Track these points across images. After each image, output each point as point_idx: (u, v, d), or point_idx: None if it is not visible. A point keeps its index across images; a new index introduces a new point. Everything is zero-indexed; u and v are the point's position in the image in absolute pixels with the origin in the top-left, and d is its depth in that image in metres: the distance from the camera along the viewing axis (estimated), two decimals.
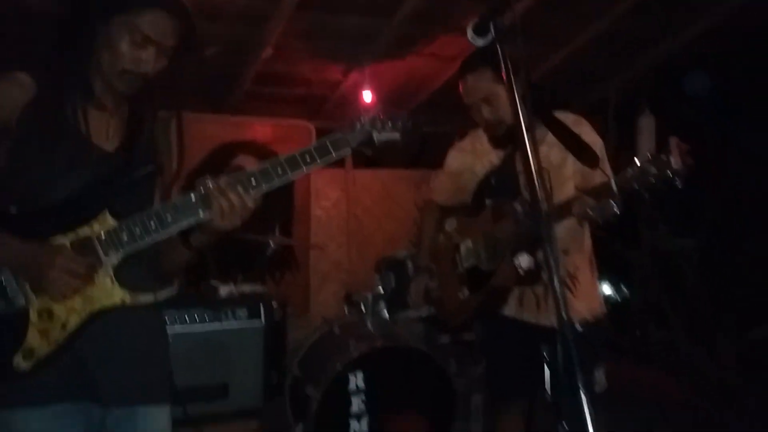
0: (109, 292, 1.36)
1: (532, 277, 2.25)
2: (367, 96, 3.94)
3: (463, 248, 2.44)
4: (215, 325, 2.18)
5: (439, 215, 2.62)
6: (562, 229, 2.24)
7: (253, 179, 1.38)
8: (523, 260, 2.22)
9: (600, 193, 1.98)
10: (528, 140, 1.21)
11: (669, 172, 1.82)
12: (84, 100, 1.43)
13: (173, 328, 2.08)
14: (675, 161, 1.80)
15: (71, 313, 1.34)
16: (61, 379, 1.37)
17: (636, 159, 1.88)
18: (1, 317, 1.33)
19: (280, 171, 1.39)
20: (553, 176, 2.23)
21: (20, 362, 1.32)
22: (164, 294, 1.43)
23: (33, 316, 1.33)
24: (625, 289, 4.97)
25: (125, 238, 1.35)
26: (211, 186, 1.37)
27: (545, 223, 1.37)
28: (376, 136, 1.45)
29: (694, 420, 3.59)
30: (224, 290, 2.29)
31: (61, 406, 1.40)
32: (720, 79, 3.91)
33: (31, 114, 1.38)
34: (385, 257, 3.11)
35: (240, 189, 1.37)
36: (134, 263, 1.39)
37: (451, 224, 2.56)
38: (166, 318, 2.07)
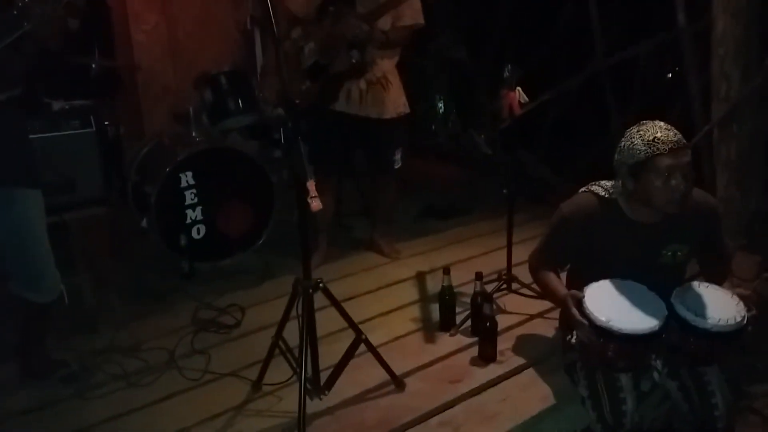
0: None
1: (359, 69, 3.00)
2: None
3: (306, 49, 3.06)
4: (53, 134, 2.61)
5: (287, 26, 3.14)
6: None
7: None
8: (354, 54, 2.94)
9: None
10: None
11: None
12: None
13: None
14: None
15: None
16: None
17: None
18: None
19: None
20: None
21: None
22: (16, 92, 1.87)
23: None
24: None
25: None
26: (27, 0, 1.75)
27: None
28: None
29: (467, 190, 4.68)
30: (57, 105, 2.68)
31: None
32: None
33: None
34: (200, 74, 3.53)
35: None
36: None
37: (296, 32, 3.13)
38: None
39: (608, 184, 2.14)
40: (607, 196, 2.11)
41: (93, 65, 3.41)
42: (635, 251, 2.07)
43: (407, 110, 3.29)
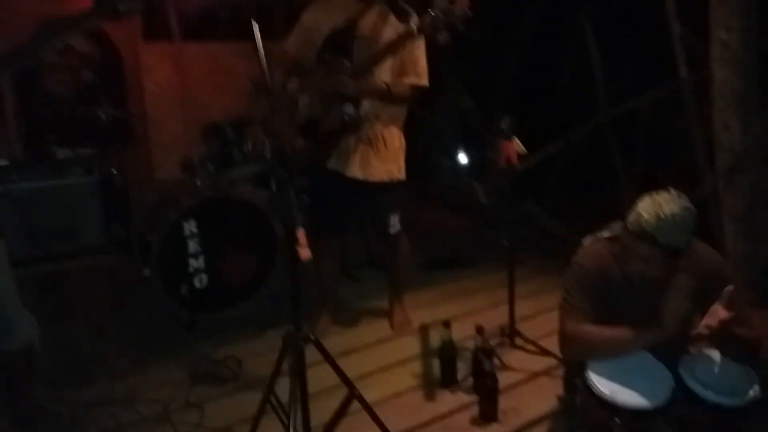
0: None
1: (353, 125, 2.84)
2: None
3: (300, 104, 2.91)
4: (55, 181, 2.63)
5: (285, 76, 3.01)
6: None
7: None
8: (347, 109, 2.77)
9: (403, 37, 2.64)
10: None
11: (455, 16, 2.45)
12: None
13: (20, 185, 2.53)
14: (459, 7, 2.43)
15: None
16: None
17: (430, 9, 2.51)
18: None
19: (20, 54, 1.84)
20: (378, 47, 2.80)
21: None
22: None
23: None
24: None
25: None
26: None
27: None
28: (120, 6, 1.90)
29: (473, 240, 4.64)
30: (61, 153, 2.72)
31: None
32: None
33: None
34: (208, 124, 3.58)
35: None
36: None
37: (293, 83, 2.98)
38: (11, 177, 2.53)
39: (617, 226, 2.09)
40: (611, 236, 2.06)
41: (102, 115, 3.47)
42: (640, 305, 2.00)
43: (401, 177, 3.04)
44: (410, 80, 2.90)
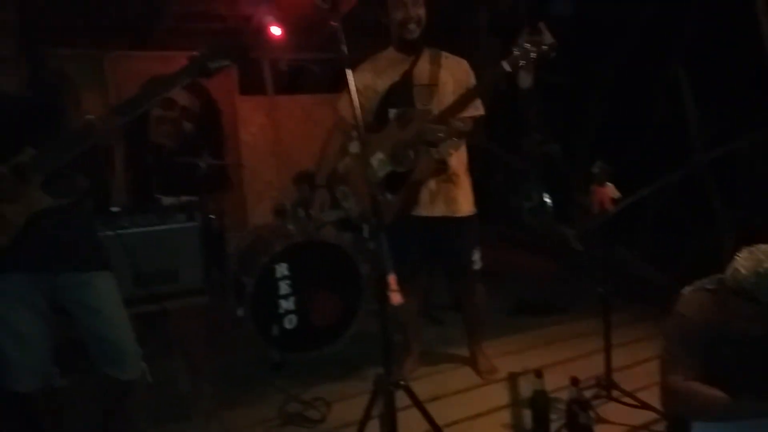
0: (39, 199, 1.98)
1: (443, 168, 2.89)
2: (276, 30, 4.40)
3: (374, 162, 2.87)
4: (160, 227, 2.82)
5: (343, 140, 2.99)
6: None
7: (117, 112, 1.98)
8: (435, 153, 2.81)
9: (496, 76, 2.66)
10: None
11: (544, 46, 2.44)
12: None
13: (128, 230, 2.73)
14: (547, 37, 2.42)
15: (18, 215, 1.97)
16: (23, 257, 2.01)
17: (516, 43, 2.49)
18: None
19: (133, 105, 1.98)
20: (440, 90, 2.87)
21: None
22: (78, 197, 2.08)
23: None
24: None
25: (45, 161, 1.95)
26: (90, 117, 1.96)
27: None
28: (210, 64, 2.02)
29: (562, 286, 4.51)
30: (167, 201, 2.91)
31: (25, 275, 2.05)
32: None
33: None
34: (299, 171, 3.74)
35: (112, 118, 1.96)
36: (57, 177, 2.00)
37: (354, 147, 2.93)
38: (121, 222, 2.73)
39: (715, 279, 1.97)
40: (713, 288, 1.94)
41: (200, 164, 3.70)
42: (748, 364, 1.86)
43: (475, 210, 3.08)
44: (470, 113, 2.92)
